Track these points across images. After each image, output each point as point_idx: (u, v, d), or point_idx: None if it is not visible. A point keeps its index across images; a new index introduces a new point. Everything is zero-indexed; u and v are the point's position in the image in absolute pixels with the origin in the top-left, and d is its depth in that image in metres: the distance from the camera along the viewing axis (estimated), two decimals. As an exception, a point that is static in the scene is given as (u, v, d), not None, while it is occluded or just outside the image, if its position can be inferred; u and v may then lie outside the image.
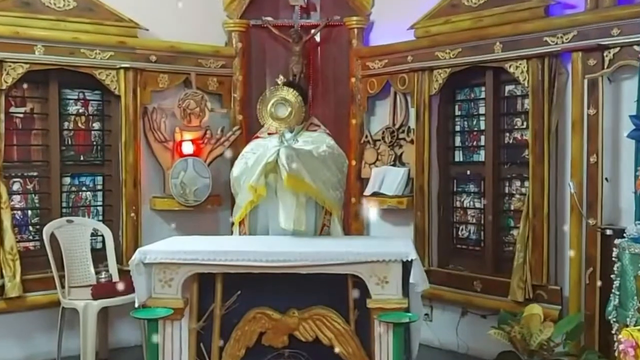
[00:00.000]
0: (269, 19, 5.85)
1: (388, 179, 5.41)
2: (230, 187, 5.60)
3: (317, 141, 4.22)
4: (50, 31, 4.91)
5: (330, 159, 4.17)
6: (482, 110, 5.15)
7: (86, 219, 5.21)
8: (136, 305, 3.61)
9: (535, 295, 4.53)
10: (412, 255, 3.49)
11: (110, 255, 5.04)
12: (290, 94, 4.13)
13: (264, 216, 4.18)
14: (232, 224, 4.34)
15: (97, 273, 4.93)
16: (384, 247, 3.71)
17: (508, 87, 4.99)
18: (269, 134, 4.35)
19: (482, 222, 5.12)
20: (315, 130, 4.38)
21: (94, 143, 5.36)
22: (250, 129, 5.56)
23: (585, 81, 4.30)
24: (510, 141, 5.00)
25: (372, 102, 5.75)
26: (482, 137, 5.14)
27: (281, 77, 4.20)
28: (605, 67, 4.22)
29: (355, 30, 5.73)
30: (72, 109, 5.25)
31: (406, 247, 3.70)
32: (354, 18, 5.71)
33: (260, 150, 4.10)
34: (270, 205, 4.10)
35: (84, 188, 5.33)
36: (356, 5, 5.72)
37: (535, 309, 4.22)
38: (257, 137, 4.40)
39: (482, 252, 5.10)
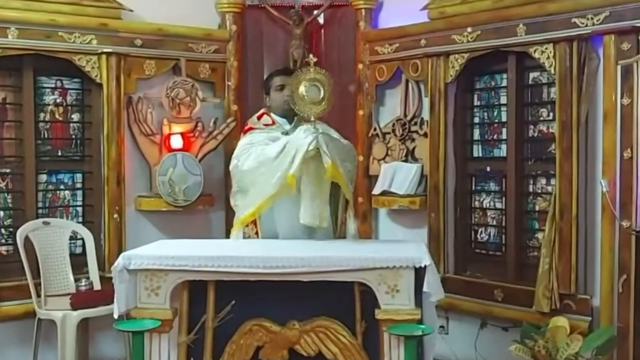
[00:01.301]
0: (267, -2, 5.87)
1: (399, 176, 5.41)
2: (224, 186, 5.65)
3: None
4: (24, 12, 4.92)
5: (349, 151, 4.21)
6: (503, 100, 5.15)
7: (64, 220, 5.23)
8: (115, 316, 3.61)
9: (563, 305, 4.53)
10: (426, 260, 3.49)
11: (91, 260, 5.06)
12: (322, 75, 4.12)
13: (274, 216, 4.17)
14: (238, 225, 4.20)
15: (76, 280, 4.95)
16: (394, 251, 3.71)
17: (532, 74, 4.98)
18: (265, 125, 4.34)
19: (504, 224, 5.12)
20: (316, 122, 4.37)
21: (73, 136, 5.37)
22: (245, 121, 5.55)
23: (619, 67, 4.29)
24: (535, 134, 5.00)
25: (382, 90, 5.75)
26: (504, 130, 5.14)
27: (311, 56, 4.18)
28: (641, 51, 4.23)
29: (363, 11, 5.73)
30: (49, 98, 5.26)
31: (419, 251, 3.69)
32: (362, -3, 5.72)
33: (284, 138, 4.07)
34: (283, 204, 4.09)
35: (61, 186, 5.34)
36: (364, -17, 5.73)
37: (562, 320, 4.22)
38: (252, 129, 4.37)
39: (504, 258, 5.11)
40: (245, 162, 4.16)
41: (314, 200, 3.98)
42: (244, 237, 4.22)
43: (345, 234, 4.23)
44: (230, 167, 4.24)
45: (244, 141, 4.28)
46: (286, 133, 4.25)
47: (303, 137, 3.92)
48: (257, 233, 4.21)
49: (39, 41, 4.98)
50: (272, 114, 4.37)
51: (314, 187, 3.99)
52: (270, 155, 4.06)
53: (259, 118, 4.41)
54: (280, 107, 4.34)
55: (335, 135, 4.21)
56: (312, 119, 4.01)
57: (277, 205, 4.12)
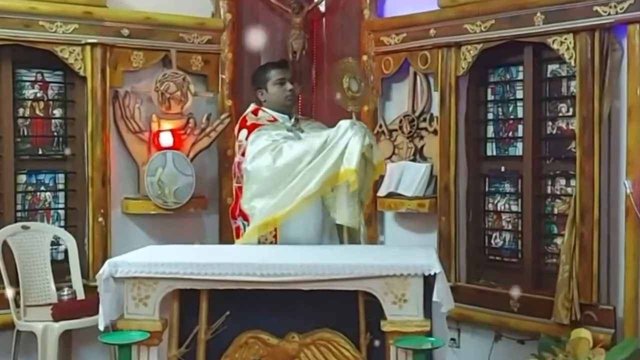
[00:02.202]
0: (265, -16, 5.88)
1: (406, 177, 5.41)
2: (218, 187, 5.65)
3: (325, 131, 4.26)
4: (1, 0, 4.92)
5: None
6: (519, 95, 5.15)
7: (45, 224, 5.23)
8: (100, 327, 3.61)
9: (584, 316, 4.53)
10: (436, 268, 3.49)
11: (74, 268, 5.06)
12: (358, 67, 4.16)
13: (298, 221, 4.18)
14: (257, 231, 4.18)
15: (58, 289, 4.95)
16: (401, 258, 3.71)
17: (551, 67, 4.98)
18: (268, 121, 4.34)
19: (520, 228, 5.12)
20: (312, 120, 4.42)
21: (55, 134, 5.37)
22: (241, 117, 5.56)
23: (644, 59, 4.30)
24: (554, 131, 5.00)
25: (388, 84, 5.75)
26: (520, 127, 5.13)
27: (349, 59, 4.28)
28: (668, 42, 4.23)
29: (368, -1, 5.74)
30: (29, 92, 5.27)
31: (428, 258, 3.70)
32: (366, -17, 5.72)
33: (326, 132, 4.13)
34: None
35: (42, 187, 5.34)
36: (368, -32, 5.73)
37: (583, 333, 4.22)
38: (257, 125, 4.34)
39: (520, 265, 5.10)
40: (278, 159, 4.14)
41: (352, 199, 4.05)
42: (259, 243, 4.21)
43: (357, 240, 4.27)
44: (248, 167, 4.20)
45: (260, 138, 4.23)
46: (290, 130, 4.27)
47: (351, 132, 4.01)
48: (275, 237, 4.21)
49: (18, 31, 4.98)
50: (267, 110, 4.37)
51: (346, 184, 4.05)
52: (311, 149, 4.08)
53: (255, 113, 4.41)
54: (281, 103, 4.36)
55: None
56: (353, 114, 4.09)
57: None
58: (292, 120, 4.38)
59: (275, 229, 4.18)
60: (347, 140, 4.02)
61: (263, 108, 4.41)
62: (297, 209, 4.09)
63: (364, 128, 4.10)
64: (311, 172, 4.06)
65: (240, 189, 4.29)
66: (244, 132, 4.34)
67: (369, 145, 4.05)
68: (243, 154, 4.26)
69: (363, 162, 4.08)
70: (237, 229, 4.36)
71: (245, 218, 4.25)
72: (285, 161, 4.12)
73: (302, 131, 4.36)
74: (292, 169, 4.10)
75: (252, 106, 4.47)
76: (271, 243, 4.21)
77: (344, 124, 4.10)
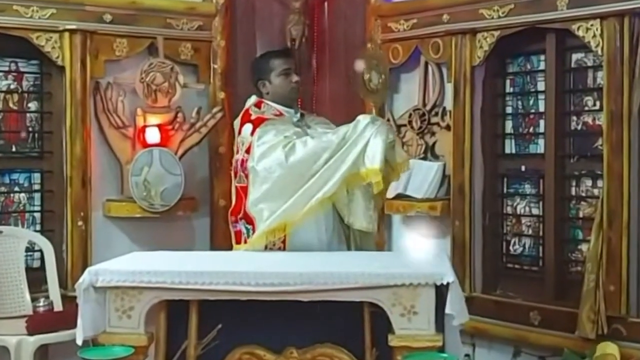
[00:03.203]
0: (260, -36, 5.89)
1: (417, 176, 5.42)
2: (209, 188, 5.64)
3: (331, 127, 4.29)
4: (-29, -18, 4.94)
5: None
6: (541, 87, 5.15)
7: (19, 228, 5.23)
8: (79, 342, 3.61)
9: (611, 330, 4.53)
10: (449, 277, 3.49)
11: (50, 276, 5.06)
12: (383, 60, 4.19)
13: (309, 225, 4.19)
14: (264, 236, 4.16)
15: (33, 300, 4.94)
16: (411, 266, 3.71)
17: (575, 56, 4.99)
18: (275, 115, 4.34)
19: (541, 233, 5.13)
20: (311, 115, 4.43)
21: (30, 129, 5.38)
22: (235, 110, 5.54)
23: (679, 47, 4.31)
24: (579, 127, 5.00)
25: (396, 75, 5.75)
26: (541, 122, 5.14)
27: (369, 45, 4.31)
28: None
29: (374, -19, 5.74)
30: (1, 84, 5.27)
31: (441, 266, 3.69)
32: (372, -36, 5.73)
33: (343, 128, 4.13)
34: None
35: (16, 188, 5.35)
36: (375, -54, 5.73)
37: (610, 348, 4.22)
38: (263, 119, 4.31)
39: (541, 274, 5.11)
40: (291, 156, 4.11)
41: (370, 202, 4.10)
42: (266, 248, 4.21)
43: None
44: (257, 166, 4.16)
45: (268, 133, 4.20)
46: (297, 126, 4.28)
47: (372, 129, 4.02)
48: (284, 242, 4.20)
49: (-10, 16, 4.99)
50: (271, 103, 4.37)
51: (365, 187, 4.09)
52: (329, 146, 4.08)
53: (258, 107, 4.40)
54: (286, 96, 4.36)
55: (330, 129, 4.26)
56: (373, 109, 4.12)
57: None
58: (298, 114, 4.37)
59: (285, 235, 4.18)
60: (369, 137, 4.02)
61: (266, 101, 4.40)
62: (310, 212, 4.08)
63: (385, 125, 4.12)
64: (329, 172, 4.04)
65: (243, 189, 4.26)
66: (249, 126, 4.29)
67: (391, 143, 4.07)
68: (248, 151, 4.23)
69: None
70: (238, 232, 4.31)
71: (250, 221, 4.20)
72: (300, 159, 4.09)
73: (309, 127, 4.35)
74: (308, 168, 4.07)
75: (254, 98, 4.44)
76: (279, 249, 4.20)
77: (363, 119, 4.10)
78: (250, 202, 4.19)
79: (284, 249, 4.19)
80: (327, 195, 4.05)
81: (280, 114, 4.34)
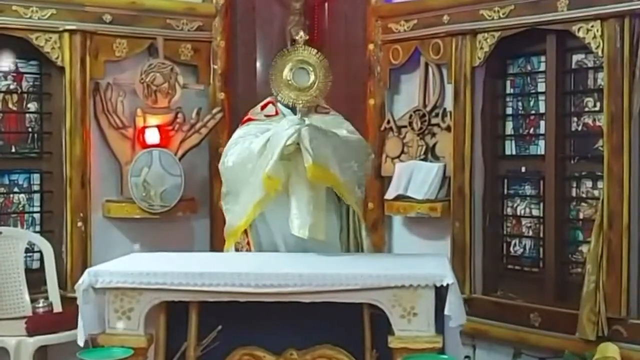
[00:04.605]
0: (261, -35, 5.89)
1: (417, 177, 5.42)
2: (209, 189, 5.65)
3: (332, 126, 4.26)
4: (-30, -18, 4.94)
5: (357, 148, 4.21)
6: (541, 88, 5.15)
7: (19, 229, 5.24)
8: (80, 343, 3.62)
9: (611, 331, 4.53)
10: (449, 278, 3.50)
11: (50, 277, 5.06)
12: (314, 57, 4.13)
13: (273, 225, 4.19)
14: (231, 239, 4.26)
15: (33, 301, 4.95)
16: (411, 267, 3.72)
17: (576, 57, 4.99)
18: (267, 116, 4.36)
19: (541, 235, 5.13)
20: (327, 113, 4.40)
21: (30, 129, 5.38)
22: (235, 111, 5.57)
23: (679, 49, 4.31)
24: (579, 128, 5.00)
25: (396, 76, 5.76)
26: (542, 123, 5.14)
27: (302, 33, 4.17)
28: None
29: (374, -19, 5.75)
30: (1, 84, 5.27)
31: (440, 267, 3.70)
32: (373, -35, 5.74)
33: (270, 131, 4.09)
34: (280, 209, 4.10)
35: (15, 189, 5.35)
36: (375, -53, 5.74)
37: (611, 349, 4.22)
38: (251, 120, 4.39)
39: (541, 275, 5.11)
40: (229, 158, 4.20)
41: (306, 206, 3.99)
42: (237, 250, 4.24)
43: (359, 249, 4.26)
44: (219, 164, 4.28)
45: (236, 134, 4.30)
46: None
47: (285, 130, 3.95)
48: (249, 243, 4.22)
49: (-10, 16, 5.00)
50: (278, 104, 4.39)
51: (306, 190, 4.00)
52: (254, 150, 4.09)
53: (262, 108, 4.43)
54: None
55: (343, 131, 4.22)
56: (299, 108, 4.04)
57: (273, 210, 4.13)
58: (298, 115, 4.38)
59: (247, 234, 4.20)
60: (278, 139, 3.95)
61: (275, 101, 4.42)
62: (250, 218, 4.13)
63: (302, 125, 3.96)
64: (255, 176, 4.05)
65: None
66: (240, 127, 4.38)
67: (292, 146, 3.93)
68: None
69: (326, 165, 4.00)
70: None
71: None
72: (233, 161, 4.16)
73: None
74: (241, 170, 4.12)
75: (267, 99, 4.49)
76: (247, 251, 4.24)
77: (286, 119, 4.10)
78: (222, 199, 4.32)
79: (250, 251, 4.25)
80: (257, 200, 4.07)
81: (277, 114, 4.35)
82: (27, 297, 4.97)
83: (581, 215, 4.97)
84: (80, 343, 3.61)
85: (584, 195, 4.97)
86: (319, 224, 4.00)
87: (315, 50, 4.18)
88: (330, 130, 4.11)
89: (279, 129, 4.02)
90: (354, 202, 4.19)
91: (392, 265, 3.81)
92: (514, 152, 5.35)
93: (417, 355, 3.45)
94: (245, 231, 4.22)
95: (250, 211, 4.12)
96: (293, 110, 4.35)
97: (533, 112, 5.23)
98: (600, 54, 4.61)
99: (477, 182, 5.31)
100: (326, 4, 6.01)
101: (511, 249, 5.35)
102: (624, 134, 4.52)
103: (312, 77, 4.11)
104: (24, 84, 5.35)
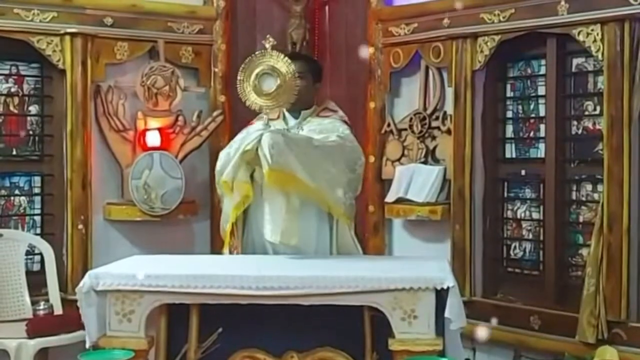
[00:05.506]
0: (261, -32, 5.90)
1: (417, 180, 5.42)
2: (209, 192, 5.66)
3: (327, 130, 4.27)
4: (-29, -14, 4.95)
5: (338, 153, 4.19)
6: (541, 91, 5.16)
7: (20, 232, 5.24)
8: (87, 345, 3.63)
9: (611, 334, 4.53)
10: (449, 281, 3.50)
11: (51, 280, 5.06)
12: (281, 62, 4.14)
13: (256, 226, 4.22)
14: (226, 240, 4.34)
15: (33, 304, 4.94)
16: (411, 270, 3.72)
17: (576, 61, 4.99)
18: (271, 119, 4.39)
19: (541, 238, 5.13)
20: (328, 116, 4.41)
21: (31, 132, 5.38)
22: (235, 114, 5.58)
23: (679, 52, 4.32)
24: (579, 132, 5.01)
25: (397, 79, 5.76)
26: (542, 127, 5.14)
27: (270, 38, 4.18)
28: None
29: (375, -15, 5.76)
30: (2, 87, 5.28)
31: (441, 270, 3.71)
32: (373, -32, 5.74)
33: (240, 137, 4.20)
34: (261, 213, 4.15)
35: (16, 191, 5.35)
36: (376, -49, 5.74)
37: (610, 352, 4.22)
38: (251, 124, 4.43)
39: (541, 278, 5.11)
40: (218, 162, 4.30)
41: (278, 211, 4.03)
42: (230, 253, 4.26)
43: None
44: None
45: (234, 139, 4.35)
46: (287, 130, 4.29)
47: (251, 135, 4.02)
48: (236, 250, 4.27)
49: (-9, 19, 5.00)
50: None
51: (278, 195, 4.05)
52: (229, 155, 4.17)
53: None
54: None
55: (332, 135, 4.21)
56: (264, 114, 4.07)
57: (259, 213, 4.16)
58: (264, 120, 4.39)
59: (234, 236, 4.25)
60: (243, 145, 4.06)
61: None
62: (233, 219, 4.20)
63: (265, 130, 4.00)
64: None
65: None
66: None
67: (252, 152, 3.99)
68: None
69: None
70: None
71: None
72: (219, 165, 4.28)
73: (302, 130, 4.38)
74: (221, 173, 4.22)
75: None
76: (237, 253, 4.30)
77: (255, 126, 4.17)
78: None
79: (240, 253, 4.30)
80: (234, 204, 4.16)
81: (277, 118, 4.42)
82: (27, 300, 4.97)
83: (581, 219, 4.97)
84: (88, 345, 3.62)
85: (584, 199, 4.97)
86: (291, 229, 4.03)
87: (283, 55, 4.19)
88: (299, 135, 4.15)
89: (247, 135, 4.09)
90: (332, 206, 4.17)
91: (392, 268, 3.82)
92: (514, 155, 5.35)
93: (418, 358, 3.46)
94: (234, 233, 4.25)
95: (231, 215, 4.21)
96: (293, 113, 4.36)
97: (533, 115, 5.24)
98: (600, 57, 4.62)
99: (477, 185, 5.31)
100: (327, 7, 6.02)
101: (511, 251, 5.35)
102: (623, 137, 4.52)
103: (278, 83, 4.12)
104: (25, 86, 5.36)
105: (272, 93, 4.11)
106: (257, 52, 4.23)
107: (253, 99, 4.14)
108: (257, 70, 4.13)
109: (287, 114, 4.41)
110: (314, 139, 4.16)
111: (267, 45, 4.15)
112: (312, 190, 4.04)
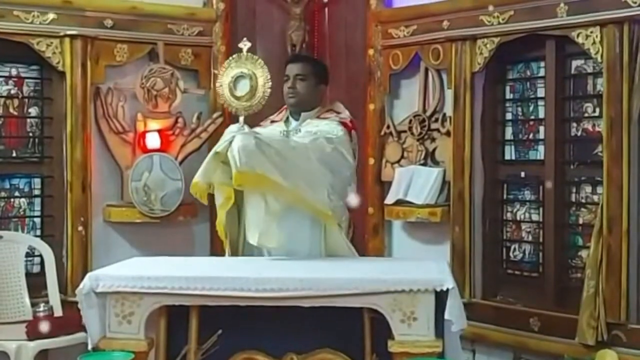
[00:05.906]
0: (261, -30, 5.91)
1: (416, 182, 5.42)
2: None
3: (322, 131, 4.25)
4: (-29, -12, 4.96)
5: (317, 153, 4.16)
6: (540, 93, 5.16)
7: (20, 233, 5.24)
8: (90, 347, 3.63)
9: (611, 336, 4.53)
10: (449, 283, 3.50)
11: (51, 281, 5.06)
12: (255, 65, 4.15)
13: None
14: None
15: (33, 305, 4.94)
16: (411, 272, 3.72)
17: (575, 63, 4.99)
18: (273, 121, 4.41)
19: (541, 240, 5.13)
20: (327, 118, 4.41)
21: (30, 134, 5.39)
22: (235, 116, 5.55)
23: (678, 54, 4.32)
24: (578, 133, 5.01)
25: (396, 81, 5.77)
26: (541, 129, 5.15)
27: (246, 41, 4.19)
28: None
29: (374, -13, 5.76)
30: (2, 89, 5.28)
31: (440, 272, 3.71)
32: (373, -30, 5.75)
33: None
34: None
35: (16, 193, 5.35)
36: (375, -47, 5.75)
37: (609, 355, 4.22)
38: (258, 126, 4.46)
39: (541, 280, 5.12)
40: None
41: (257, 214, 4.04)
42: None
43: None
44: None
45: None
46: (287, 132, 4.31)
47: (225, 136, 4.07)
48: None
49: (-9, 21, 5.01)
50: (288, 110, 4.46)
51: (258, 197, 4.05)
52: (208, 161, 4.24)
53: (277, 112, 4.51)
54: (286, 102, 4.42)
55: (321, 139, 4.19)
56: (240, 116, 4.10)
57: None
58: (300, 121, 4.41)
59: (226, 236, 4.29)
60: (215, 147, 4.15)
61: (288, 107, 4.50)
62: (222, 219, 4.23)
63: (239, 132, 4.01)
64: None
65: None
66: None
67: (222, 154, 4.03)
68: None
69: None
70: None
71: None
72: None
73: (299, 132, 4.38)
74: None
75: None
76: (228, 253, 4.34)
77: (230, 128, 4.18)
78: None
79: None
80: (218, 206, 4.23)
81: (280, 120, 4.45)
82: (27, 301, 4.96)
83: (581, 221, 4.98)
84: (90, 347, 3.62)
85: (583, 201, 4.97)
86: (270, 231, 4.02)
87: (257, 58, 4.20)
88: (274, 137, 4.17)
89: (222, 137, 4.14)
90: (315, 207, 4.15)
91: (392, 270, 3.82)
92: (513, 157, 5.36)
93: (417, 359, 3.46)
94: (226, 233, 4.28)
95: (218, 214, 4.25)
96: (293, 116, 4.38)
97: (532, 117, 5.24)
98: (599, 59, 4.62)
99: (477, 187, 5.31)
100: (326, 9, 6.02)
101: (511, 253, 5.35)
102: (623, 139, 4.52)
103: (251, 85, 4.14)
104: (25, 88, 5.36)
105: (245, 96, 4.13)
106: (234, 55, 4.25)
107: (229, 102, 4.18)
108: (232, 74, 4.16)
109: (289, 116, 4.43)
110: (291, 140, 4.19)
111: (244, 48, 4.16)
112: (289, 191, 4.04)
